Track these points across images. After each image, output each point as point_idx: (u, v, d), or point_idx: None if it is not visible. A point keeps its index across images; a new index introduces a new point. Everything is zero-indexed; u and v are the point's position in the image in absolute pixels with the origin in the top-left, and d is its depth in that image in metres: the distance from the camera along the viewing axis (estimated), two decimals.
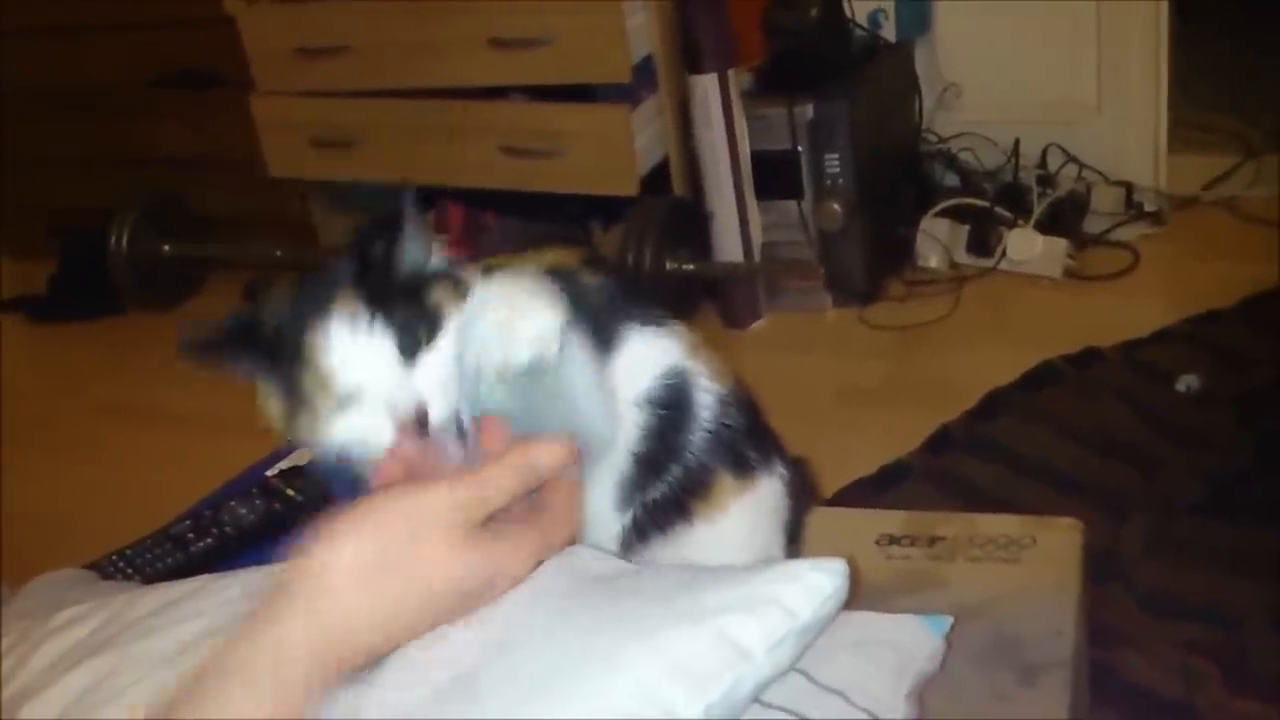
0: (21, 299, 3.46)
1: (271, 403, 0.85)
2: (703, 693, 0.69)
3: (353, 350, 0.80)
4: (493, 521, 0.75)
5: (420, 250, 0.86)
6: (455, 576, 0.72)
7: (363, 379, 0.81)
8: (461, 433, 0.84)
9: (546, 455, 0.79)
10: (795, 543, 1.08)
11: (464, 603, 0.73)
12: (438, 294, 0.84)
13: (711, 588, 0.76)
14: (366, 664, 0.71)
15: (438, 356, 0.83)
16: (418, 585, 0.71)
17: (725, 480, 0.98)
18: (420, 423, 0.81)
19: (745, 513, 0.99)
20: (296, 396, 0.82)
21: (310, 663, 0.67)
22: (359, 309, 0.81)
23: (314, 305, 0.81)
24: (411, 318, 0.82)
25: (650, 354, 0.97)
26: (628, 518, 0.96)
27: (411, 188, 0.85)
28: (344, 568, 0.70)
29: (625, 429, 0.95)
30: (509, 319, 0.83)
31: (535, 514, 0.79)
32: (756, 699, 0.75)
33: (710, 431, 0.98)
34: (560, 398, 0.87)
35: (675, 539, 0.97)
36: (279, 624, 0.68)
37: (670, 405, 0.96)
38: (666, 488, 0.97)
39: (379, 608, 0.70)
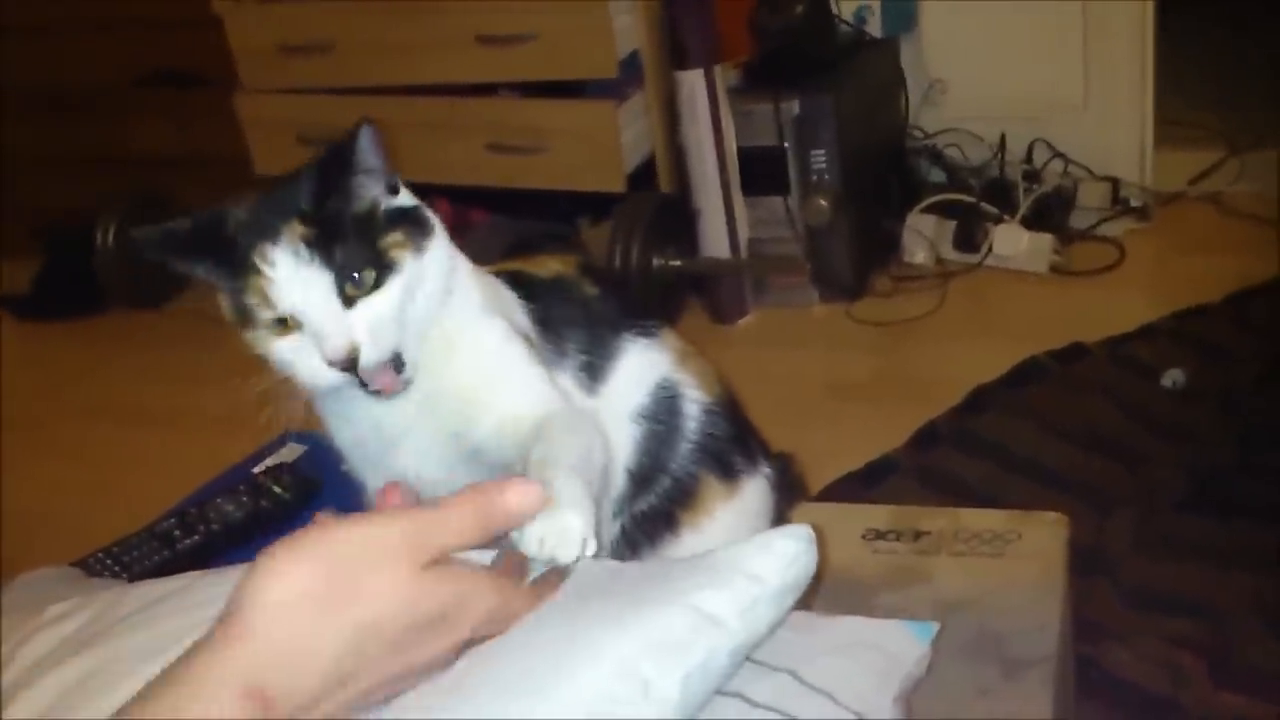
0: (6, 298, 3.45)
1: (223, 303, 0.85)
2: (678, 663, 0.69)
3: (294, 278, 0.80)
4: (457, 563, 0.71)
5: (378, 185, 0.85)
6: (403, 611, 0.67)
7: (299, 308, 0.81)
8: (399, 369, 0.84)
9: (514, 500, 0.72)
10: None
11: (418, 643, 0.68)
12: (391, 239, 0.84)
13: (681, 574, 0.76)
14: (317, 710, 0.66)
15: (379, 302, 0.82)
16: (362, 618, 0.66)
17: (712, 488, 0.99)
18: (348, 364, 0.81)
19: (731, 517, 1.00)
20: (241, 309, 0.83)
21: (243, 693, 0.63)
22: (306, 238, 0.80)
23: (268, 222, 0.81)
24: (359, 258, 0.81)
25: (644, 367, 0.97)
26: (616, 528, 0.96)
27: (371, 124, 0.84)
28: (286, 596, 0.65)
29: (621, 445, 0.95)
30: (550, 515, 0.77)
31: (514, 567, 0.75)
32: (743, 697, 0.75)
33: (697, 442, 0.98)
34: None
35: (663, 548, 0.97)
36: (215, 651, 0.64)
37: (662, 419, 0.96)
38: (655, 499, 0.97)
39: (320, 638, 0.65)
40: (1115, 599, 1.74)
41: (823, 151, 2.65)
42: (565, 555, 0.73)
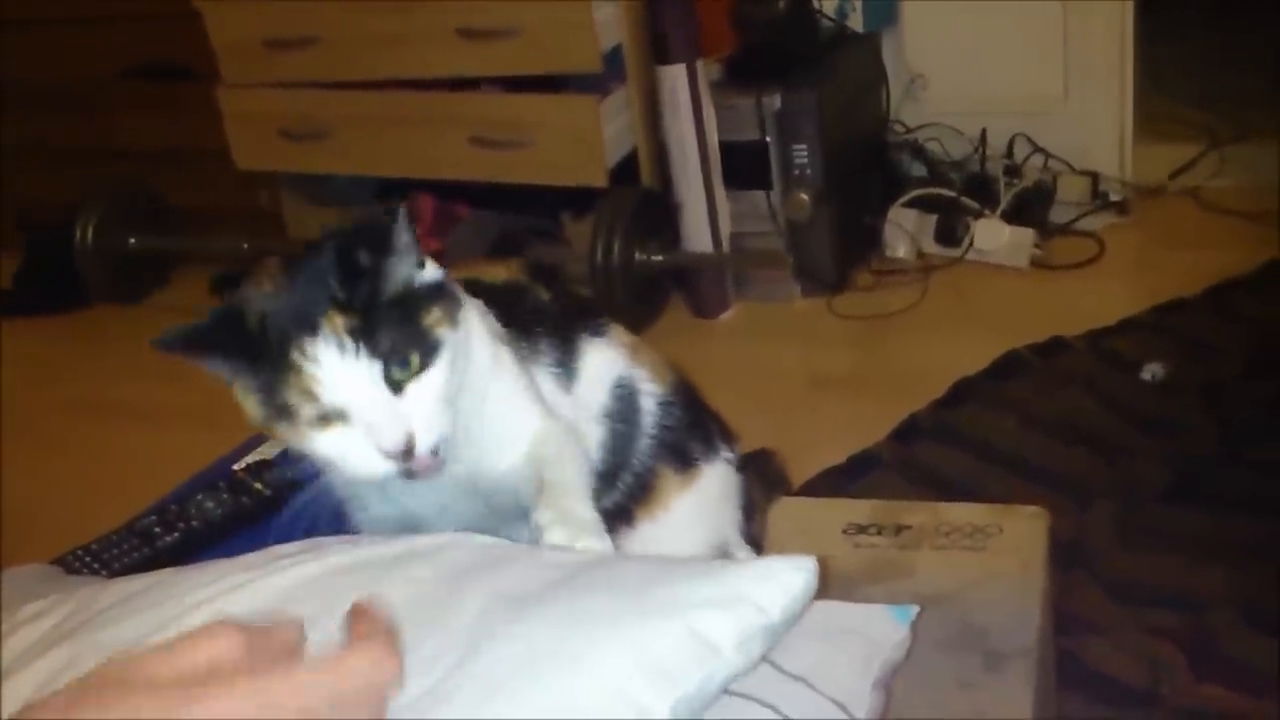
0: None
1: (250, 400, 0.81)
2: (672, 688, 0.69)
3: (339, 371, 0.77)
4: None
5: (411, 264, 0.81)
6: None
7: (348, 401, 0.78)
8: (441, 459, 0.81)
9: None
10: (752, 520, 1.09)
11: None
12: (432, 317, 0.81)
13: (683, 582, 0.76)
14: None
15: (429, 383, 0.80)
16: None
17: (669, 479, 0.99)
18: (406, 453, 0.79)
19: (688, 507, 1.00)
20: (278, 400, 0.79)
21: None
22: (348, 329, 0.77)
23: (301, 312, 0.77)
24: (402, 342, 0.78)
25: (602, 366, 0.97)
26: None
27: (406, 205, 0.82)
28: None
29: (589, 447, 0.95)
30: (568, 523, 0.81)
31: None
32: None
33: (653, 436, 0.98)
34: None
35: (620, 540, 0.97)
36: None
37: (622, 417, 0.97)
38: (618, 495, 0.97)
39: None
40: (1096, 592, 1.75)
41: (804, 146, 2.66)
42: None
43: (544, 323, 0.94)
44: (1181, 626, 1.67)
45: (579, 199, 2.88)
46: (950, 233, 2.81)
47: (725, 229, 2.77)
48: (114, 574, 1.33)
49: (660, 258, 2.73)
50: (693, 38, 2.66)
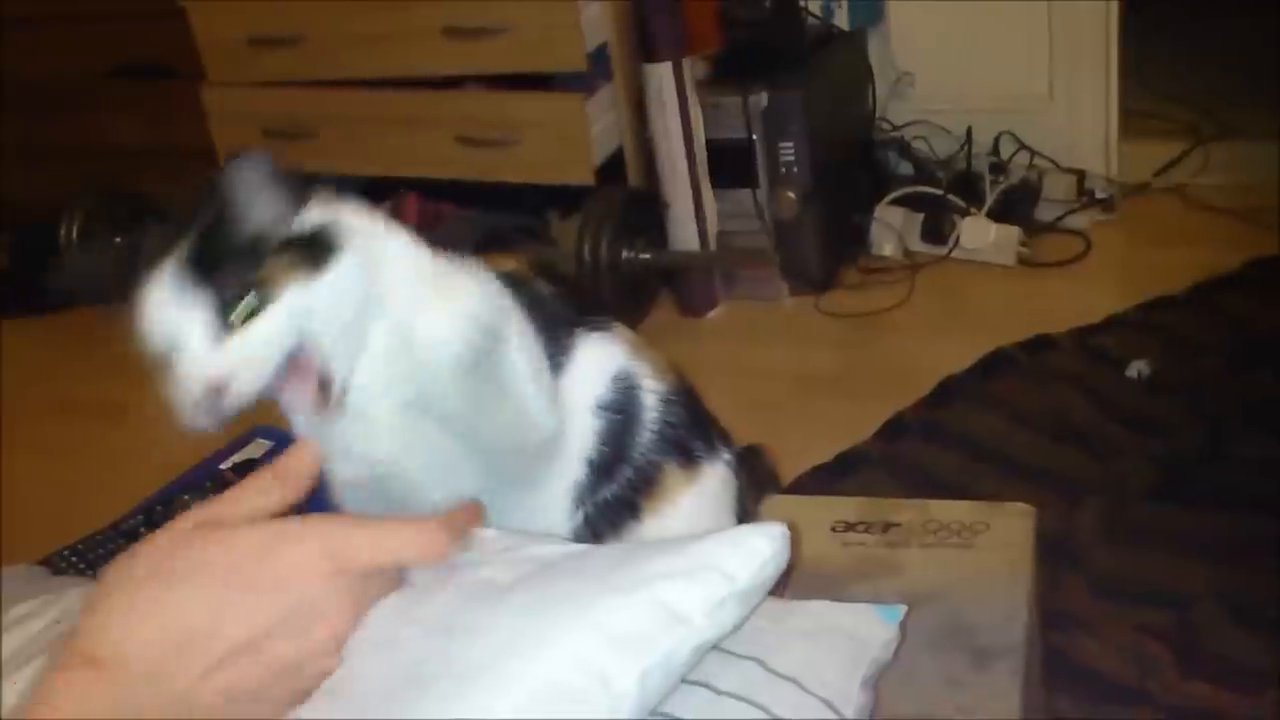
0: None
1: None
2: (639, 658, 0.69)
3: (168, 311, 0.79)
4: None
5: (268, 213, 0.82)
6: (228, 554, 0.71)
7: (173, 342, 0.80)
8: (326, 390, 0.82)
9: (295, 462, 0.80)
10: (743, 522, 1.09)
11: (264, 586, 0.71)
12: (273, 266, 0.80)
13: (648, 559, 0.76)
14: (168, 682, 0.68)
15: (258, 331, 0.80)
16: (192, 575, 0.70)
17: (673, 475, 0.99)
18: (214, 396, 0.79)
19: (693, 503, 1.00)
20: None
21: (80, 663, 0.67)
22: (182, 269, 0.79)
23: (157, 257, 0.80)
24: (233, 291, 0.79)
25: (601, 360, 0.97)
26: (579, 517, 0.97)
27: (258, 153, 0.82)
28: (113, 584, 0.71)
29: (581, 436, 0.95)
30: (436, 304, 0.82)
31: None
32: (708, 685, 0.75)
33: (656, 431, 0.98)
34: (502, 387, 0.86)
35: (626, 533, 0.97)
36: (73, 649, 0.69)
37: (620, 409, 0.97)
38: (617, 488, 0.97)
39: (139, 609, 0.70)
40: (1083, 589, 1.75)
41: (791, 144, 2.66)
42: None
43: (534, 316, 0.94)
44: (1168, 623, 1.67)
45: (565, 197, 2.88)
46: (937, 231, 2.81)
47: (712, 227, 2.77)
48: (99, 574, 1.33)
49: (647, 256, 2.73)
50: (679, 36, 2.66)
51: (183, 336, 0.79)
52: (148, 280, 0.79)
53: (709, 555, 0.75)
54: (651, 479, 0.98)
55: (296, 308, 0.80)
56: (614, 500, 0.97)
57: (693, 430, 1.01)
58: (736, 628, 0.75)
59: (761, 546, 0.76)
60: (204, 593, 0.69)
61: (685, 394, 1.02)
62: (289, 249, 0.81)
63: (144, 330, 0.80)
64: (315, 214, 0.83)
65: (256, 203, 0.81)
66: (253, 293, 0.79)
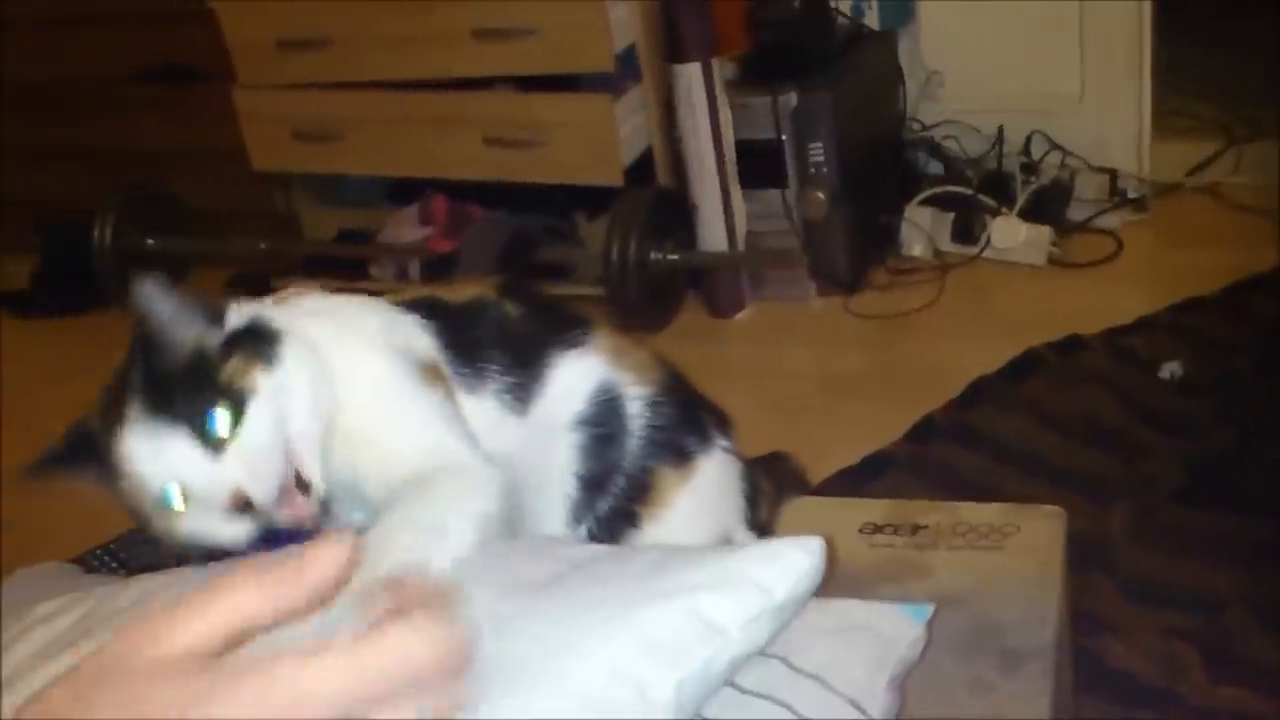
0: (3, 294, 3.44)
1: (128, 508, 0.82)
2: (675, 668, 0.69)
3: (154, 454, 0.77)
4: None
5: (193, 325, 0.81)
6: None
7: (173, 481, 0.78)
8: (305, 490, 0.80)
9: (314, 563, 0.54)
10: (757, 506, 1.09)
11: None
12: (231, 370, 0.80)
13: (686, 567, 0.76)
14: None
15: (249, 432, 0.78)
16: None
17: (666, 476, 0.99)
18: (243, 508, 0.78)
19: (689, 501, 1.00)
20: (137, 508, 0.80)
21: None
22: (144, 410, 0.77)
23: (113, 414, 0.79)
24: (202, 403, 0.78)
25: (577, 376, 0.97)
26: (581, 532, 0.97)
27: (148, 279, 0.81)
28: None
29: (564, 454, 0.95)
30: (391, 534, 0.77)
31: None
32: (734, 684, 0.75)
33: (643, 437, 0.98)
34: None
35: (627, 541, 0.97)
36: None
37: (604, 422, 0.97)
38: (613, 499, 0.97)
39: None
40: (1113, 591, 1.74)
41: (820, 144, 2.65)
42: (371, 570, 0.69)
43: (501, 342, 0.93)
44: (1198, 626, 1.66)
45: (593, 198, 2.88)
46: (967, 231, 2.80)
47: (741, 228, 2.77)
48: (132, 573, 1.33)
49: (675, 257, 2.73)
50: (708, 36, 2.66)
51: (178, 471, 0.77)
52: (115, 440, 0.78)
53: (747, 568, 0.75)
54: (645, 485, 0.98)
55: (272, 395, 0.80)
56: (611, 512, 0.97)
57: (682, 427, 1.01)
58: (770, 641, 0.75)
59: (799, 561, 0.76)
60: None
61: (673, 390, 1.02)
62: (234, 350, 0.80)
63: (137, 485, 0.78)
64: (234, 317, 0.83)
65: (178, 319, 0.81)
66: (222, 401, 0.78)
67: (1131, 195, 2.89)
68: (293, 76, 2.98)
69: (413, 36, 2.79)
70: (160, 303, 0.80)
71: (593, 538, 0.97)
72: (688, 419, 1.02)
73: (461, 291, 0.96)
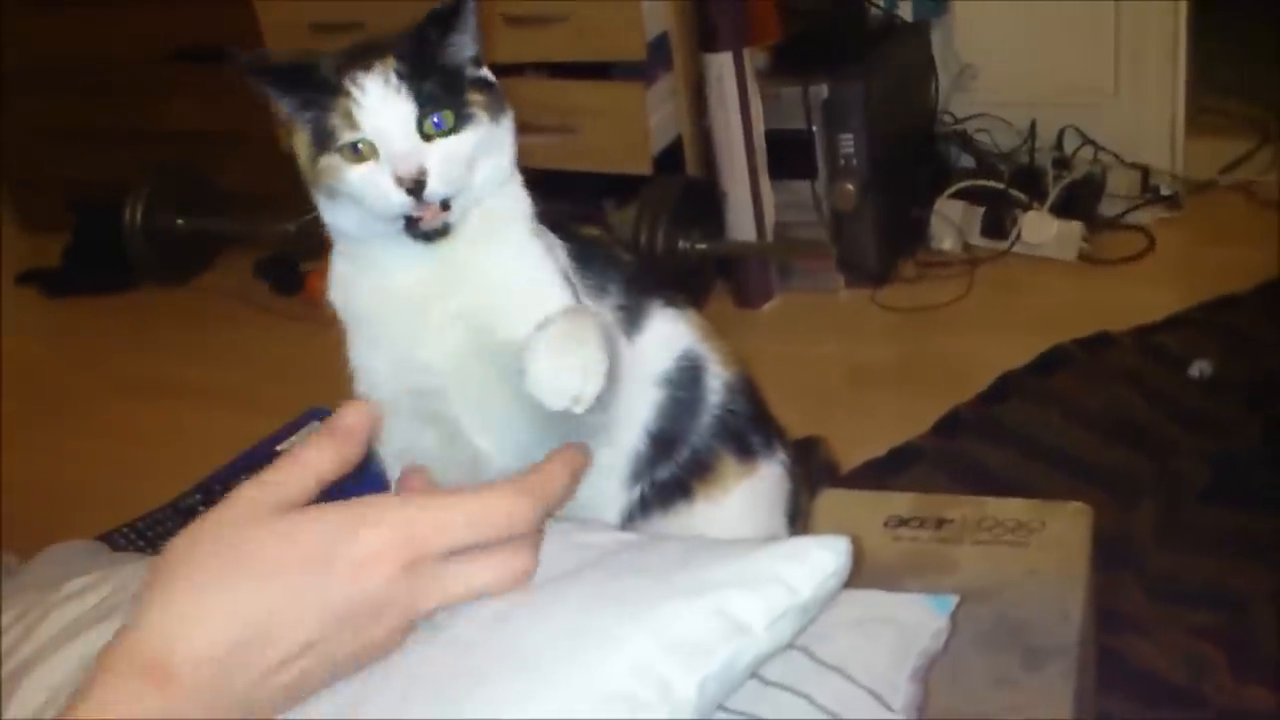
0: (35, 272, 3.47)
1: (301, 135, 0.89)
2: (698, 666, 0.69)
3: (380, 104, 0.84)
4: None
5: (470, 48, 0.91)
6: (279, 556, 0.66)
7: (381, 132, 0.85)
8: (446, 219, 0.87)
9: (346, 418, 0.75)
10: (795, 526, 1.09)
11: (316, 586, 0.66)
12: (474, 95, 0.89)
13: (712, 563, 0.75)
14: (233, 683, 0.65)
15: (455, 143, 0.86)
16: (244, 576, 0.66)
17: (729, 464, 0.99)
18: (415, 189, 0.84)
19: (746, 496, 1.00)
20: (322, 134, 0.86)
21: (143, 671, 0.63)
22: (397, 71, 0.85)
23: (364, 55, 0.86)
24: (442, 100, 0.86)
25: (670, 335, 0.98)
26: (635, 493, 0.97)
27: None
28: (176, 575, 0.66)
29: (644, 407, 0.95)
30: (563, 352, 0.83)
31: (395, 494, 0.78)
32: (756, 675, 0.75)
33: (717, 416, 0.99)
34: (575, 429, 0.86)
35: (676, 516, 0.97)
36: (118, 638, 0.65)
37: (685, 387, 0.97)
38: (675, 467, 0.97)
39: (209, 606, 0.65)
40: (1138, 590, 1.73)
41: (851, 136, 2.64)
42: (558, 399, 0.80)
43: (616, 276, 0.97)
44: (1223, 625, 1.65)
45: (622, 186, 2.88)
46: (997, 225, 2.79)
47: (770, 218, 2.76)
48: (158, 551, 1.35)
49: (703, 246, 2.72)
50: (740, 26, 2.65)
51: (389, 130, 0.85)
52: (356, 73, 0.85)
53: (773, 566, 0.75)
54: (707, 464, 0.98)
55: (484, 134, 0.88)
56: (669, 480, 0.97)
57: (752, 424, 1.02)
58: (794, 639, 0.75)
59: (825, 561, 0.75)
60: (269, 589, 0.66)
61: (748, 388, 1.03)
62: (479, 88, 0.90)
63: (350, 116, 0.85)
64: (486, 71, 0.92)
65: (465, 40, 0.90)
66: (452, 112, 0.86)
67: (1164, 192, 2.87)
68: None
69: None
70: (471, 19, 0.90)
71: (644, 503, 0.97)
72: (757, 420, 1.03)
73: (581, 227, 1.02)
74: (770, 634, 0.72)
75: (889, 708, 0.77)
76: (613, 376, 0.84)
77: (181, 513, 1.45)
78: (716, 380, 1.00)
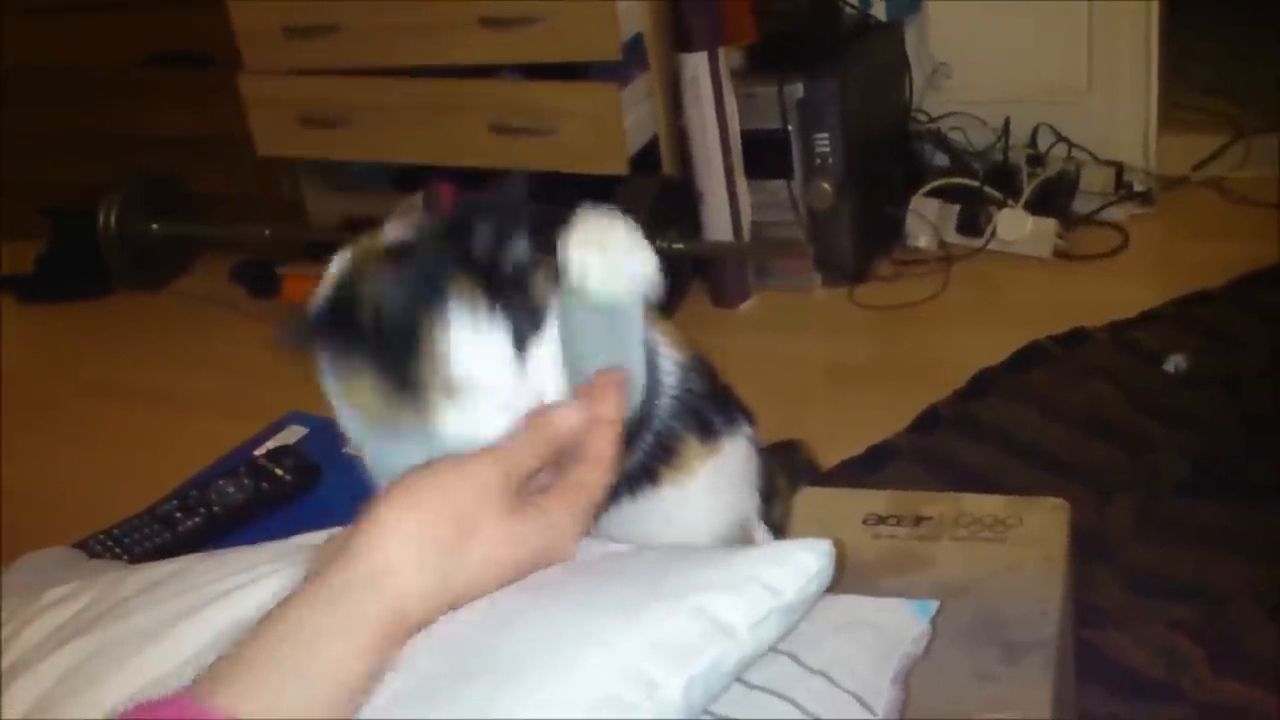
0: (10, 278, 3.45)
1: (366, 390, 0.80)
2: (683, 667, 0.69)
3: (471, 341, 0.77)
4: (527, 492, 0.77)
5: (525, 243, 0.83)
6: (509, 549, 0.74)
7: (479, 371, 0.78)
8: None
9: (564, 421, 0.79)
10: (772, 504, 1.09)
11: (517, 577, 0.75)
12: (539, 284, 0.82)
13: (696, 567, 0.76)
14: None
15: (547, 345, 0.81)
16: (476, 559, 0.72)
17: (692, 445, 0.99)
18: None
19: (711, 475, 1.00)
20: (402, 384, 0.78)
21: (374, 637, 0.68)
22: (478, 298, 0.77)
23: (427, 289, 0.77)
24: (522, 309, 0.79)
25: None
26: None
27: (524, 176, 0.84)
28: (410, 539, 0.71)
29: None
30: (615, 248, 0.84)
31: (566, 482, 0.80)
32: (741, 680, 0.75)
33: (675, 398, 0.98)
34: (622, 342, 0.87)
35: (643, 501, 0.97)
36: (344, 598, 0.68)
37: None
38: (639, 454, 0.97)
39: (441, 584, 0.71)
40: (1116, 584, 1.74)
41: (826, 135, 2.65)
42: (615, 286, 0.83)
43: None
44: (1201, 619, 1.66)
45: (599, 187, 2.87)
46: (973, 222, 2.80)
47: (746, 218, 2.77)
48: (135, 558, 1.34)
49: (680, 246, 2.73)
50: (715, 26, 2.66)
51: (491, 366, 0.78)
52: (440, 312, 0.77)
53: (756, 569, 0.75)
54: (671, 448, 0.98)
55: (555, 313, 0.83)
56: (635, 468, 0.97)
57: (711, 402, 1.01)
58: (778, 642, 0.76)
59: (808, 562, 0.76)
60: (494, 580, 0.73)
61: (703, 367, 1.03)
62: (541, 269, 0.83)
63: (445, 363, 0.77)
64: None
65: (521, 226, 0.83)
66: (531, 311, 0.80)
67: (1137, 188, 2.89)
68: (300, 62, 2.98)
69: (420, 24, 2.79)
70: (519, 210, 0.83)
71: (612, 492, 0.97)
72: (715, 398, 1.03)
73: None
74: (754, 635, 0.73)
75: (871, 711, 0.78)
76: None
77: (158, 519, 1.44)
78: (669, 362, 0.99)
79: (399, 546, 0.70)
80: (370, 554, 0.69)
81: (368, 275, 0.79)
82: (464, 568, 0.72)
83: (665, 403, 0.98)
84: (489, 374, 0.78)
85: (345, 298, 0.79)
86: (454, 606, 0.72)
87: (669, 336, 1.00)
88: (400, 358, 0.77)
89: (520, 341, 0.79)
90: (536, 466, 0.77)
